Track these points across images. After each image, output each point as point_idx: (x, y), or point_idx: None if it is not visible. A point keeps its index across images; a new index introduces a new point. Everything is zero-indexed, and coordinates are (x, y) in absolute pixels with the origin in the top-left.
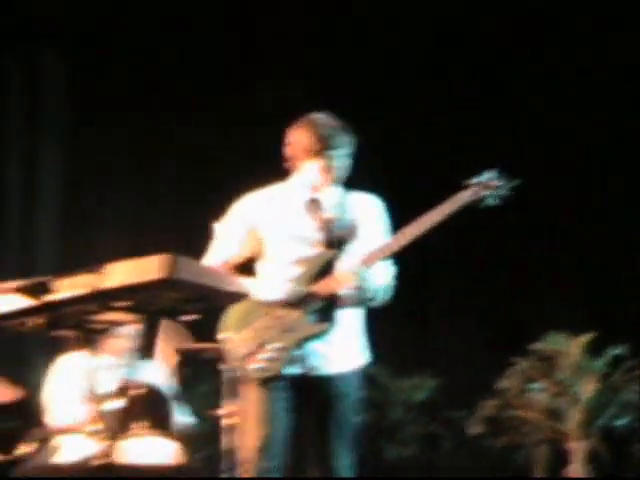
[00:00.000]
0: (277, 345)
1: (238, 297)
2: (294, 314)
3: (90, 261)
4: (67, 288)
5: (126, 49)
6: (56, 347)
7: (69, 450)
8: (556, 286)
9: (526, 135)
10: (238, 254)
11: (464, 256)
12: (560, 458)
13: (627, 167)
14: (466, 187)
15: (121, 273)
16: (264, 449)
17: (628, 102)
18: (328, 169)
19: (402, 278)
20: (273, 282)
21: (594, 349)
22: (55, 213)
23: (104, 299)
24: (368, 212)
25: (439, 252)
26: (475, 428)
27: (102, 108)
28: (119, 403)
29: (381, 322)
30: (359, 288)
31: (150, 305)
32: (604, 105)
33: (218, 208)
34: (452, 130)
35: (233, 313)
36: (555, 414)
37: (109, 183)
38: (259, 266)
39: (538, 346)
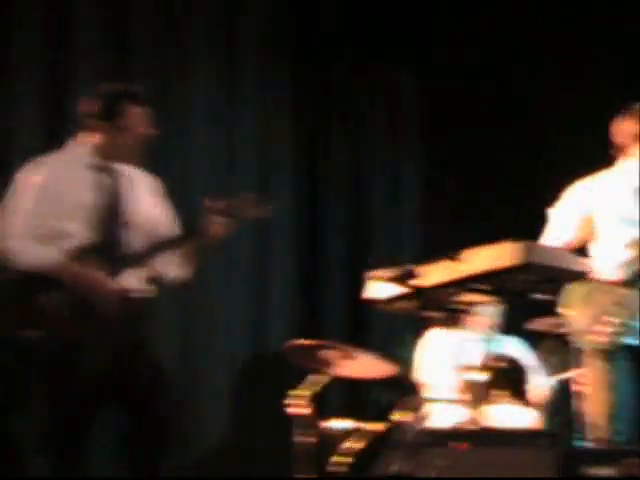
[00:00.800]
0: (617, 320)
1: (583, 276)
2: (631, 292)
3: (446, 249)
4: (432, 274)
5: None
6: (421, 325)
7: (441, 417)
8: None
9: None
10: (574, 238)
11: None
12: None
13: None
14: None
15: (480, 260)
16: (611, 415)
17: None
18: None
19: None
20: (610, 263)
21: None
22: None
23: (467, 284)
24: None
25: None
26: None
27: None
28: (483, 374)
29: None
30: None
31: (506, 287)
32: None
33: (551, 194)
34: None
35: (574, 291)
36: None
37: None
38: (593, 248)
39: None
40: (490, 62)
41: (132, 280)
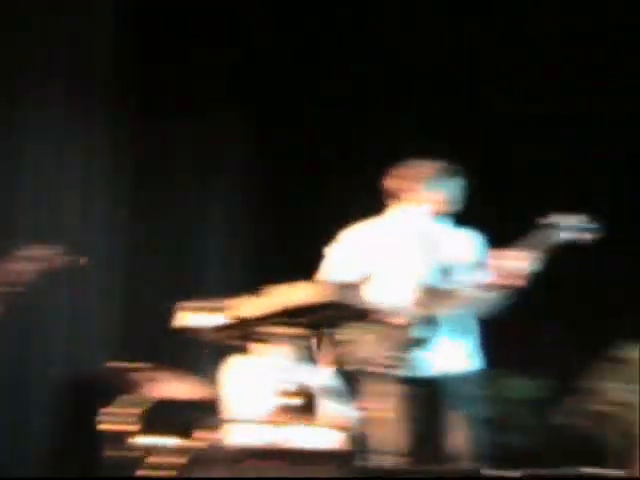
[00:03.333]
0: (396, 355)
1: (377, 315)
2: (408, 331)
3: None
4: (241, 308)
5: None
6: (229, 353)
7: (242, 437)
8: (631, 304)
9: None
10: (351, 275)
11: (561, 280)
12: (631, 441)
13: None
14: (556, 225)
15: (287, 296)
16: (397, 437)
17: None
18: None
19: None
20: (390, 304)
21: None
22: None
23: (274, 318)
24: (471, 247)
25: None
26: (565, 419)
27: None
28: (287, 399)
29: (495, 333)
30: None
31: (314, 322)
32: None
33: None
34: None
35: (359, 328)
36: (628, 407)
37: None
38: (372, 289)
39: (614, 353)
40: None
41: None
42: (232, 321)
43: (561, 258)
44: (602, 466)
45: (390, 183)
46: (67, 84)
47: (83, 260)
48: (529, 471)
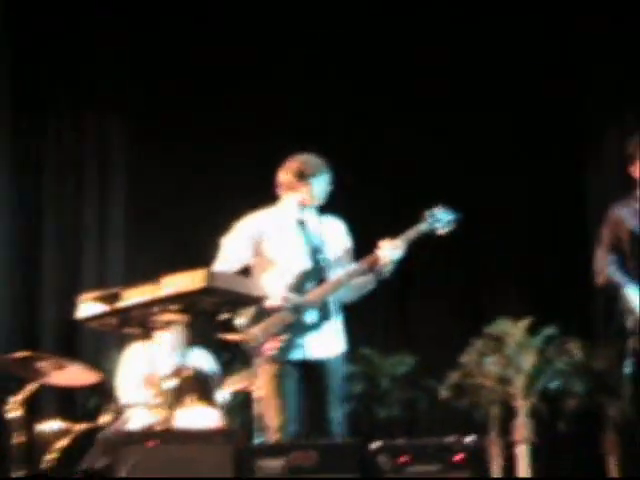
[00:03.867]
0: (284, 337)
1: (259, 300)
2: (297, 315)
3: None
4: (133, 296)
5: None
6: (123, 340)
7: (137, 419)
8: (505, 282)
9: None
10: (246, 263)
11: (436, 261)
12: (509, 414)
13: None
14: (423, 218)
15: (173, 284)
16: (281, 415)
17: None
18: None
19: (391, 279)
20: (278, 288)
21: (532, 330)
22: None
23: (161, 304)
24: (340, 235)
25: (417, 259)
26: (444, 393)
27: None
28: (173, 382)
29: (371, 311)
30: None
31: (195, 307)
32: None
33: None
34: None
35: (250, 312)
36: (504, 380)
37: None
38: (263, 274)
39: (491, 328)
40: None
41: None
42: (112, 309)
43: (436, 245)
44: (481, 436)
45: (278, 177)
46: None
47: None
48: (393, 441)
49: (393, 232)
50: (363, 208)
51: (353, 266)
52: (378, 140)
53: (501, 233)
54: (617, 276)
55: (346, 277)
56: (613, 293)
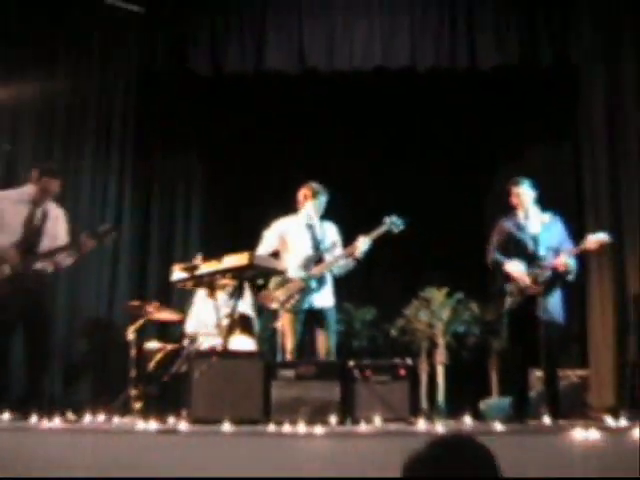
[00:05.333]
0: (297, 297)
1: (283, 272)
2: (305, 282)
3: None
4: (205, 268)
5: None
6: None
7: (205, 343)
8: (432, 264)
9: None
10: (275, 249)
11: (391, 250)
12: (432, 346)
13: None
14: (382, 222)
15: (229, 261)
16: (293, 345)
17: None
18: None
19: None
20: (293, 266)
21: (448, 295)
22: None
23: (221, 273)
24: (333, 233)
25: (379, 249)
26: (393, 332)
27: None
28: (228, 320)
29: (349, 280)
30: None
31: (242, 276)
32: None
33: (263, 228)
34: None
35: (276, 279)
36: (431, 326)
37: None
38: (285, 256)
39: (423, 293)
40: None
41: (44, 264)
42: (190, 275)
43: (390, 239)
44: (415, 359)
45: (298, 195)
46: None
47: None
48: (361, 361)
49: (364, 231)
50: (347, 216)
51: (339, 252)
52: (358, 176)
53: (431, 233)
54: (499, 257)
55: (335, 260)
56: (497, 268)
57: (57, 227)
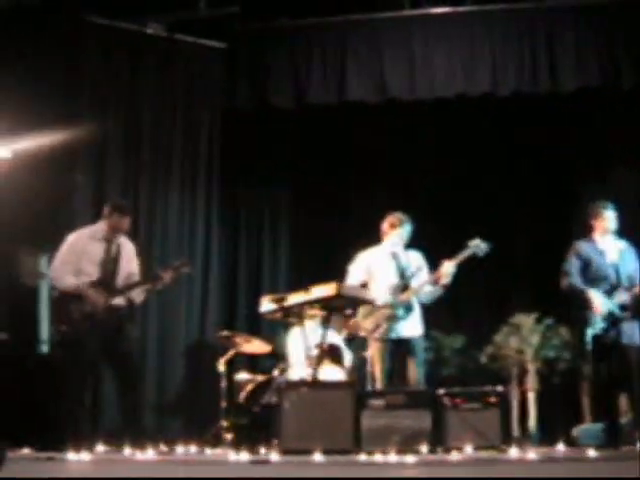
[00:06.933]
0: (384, 325)
1: (370, 302)
2: (392, 311)
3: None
4: (293, 299)
5: None
6: (288, 326)
7: (296, 373)
8: (521, 291)
9: None
10: (362, 280)
11: (478, 276)
12: (522, 372)
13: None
14: (467, 246)
15: (317, 291)
16: (382, 374)
17: None
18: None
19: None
20: (380, 295)
21: (538, 320)
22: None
23: (310, 304)
24: (418, 261)
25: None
26: (483, 359)
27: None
28: (317, 351)
29: (439, 308)
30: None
31: (330, 306)
32: None
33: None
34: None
35: (364, 309)
36: (520, 352)
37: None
38: (372, 286)
39: (512, 319)
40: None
41: (119, 300)
42: (279, 306)
43: (477, 265)
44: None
45: (382, 227)
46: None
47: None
48: (452, 389)
49: (448, 256)
50: (433, 244)
51: (425, 278)
52: (443, 204)
53: (518, 258)
54: (580, 284)
55: (421, 286)
56: (576, 294)
57: (131, 263)
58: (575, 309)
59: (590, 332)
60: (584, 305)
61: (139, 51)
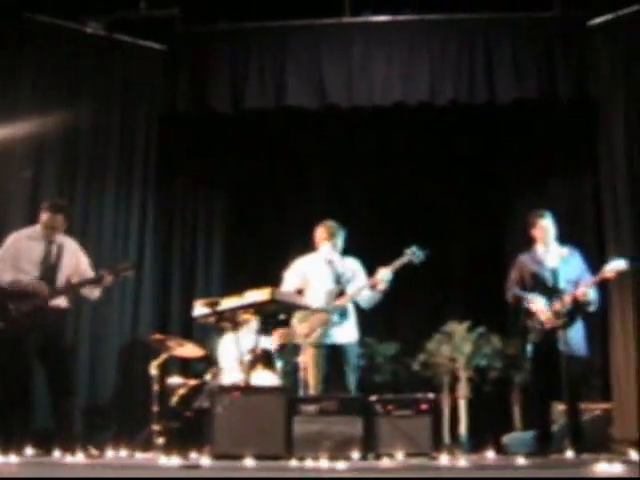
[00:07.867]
0: (319, 330)
1: (304, 308)
2: (327, 315)
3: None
4: (226, 303)
5: None
6: (219, 330)
7: (228, 378)
8: (454, 299)
9: None
10: (297, 286)
11: (412, 283)
12: (454, 380)
13: None
14: (403, 254)
15: (251, 296)
16: (316, 379)
17: None
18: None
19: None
20: (316, 300)
21: (470, 329)
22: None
23: (243, 309)
24: (354, 267)
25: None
26: (416, 367)
27: None
28: (250, 356)
29: (371, 315)
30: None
31: (263, 312)
32: None
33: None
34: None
35: (299, 314)
36: (452, 360)
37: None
38: (307, 292)
39: (445, 327)
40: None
41: (59, 300)
42: (212, 311)
43: (412, 272)
44: (437, 394)
45: (315, 235)
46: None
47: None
48: (384, 396)
49: (385, 263)
50: (368, 251)
51: (361, 284)
52: (378, 211)
53: (451, 268)
54: (519, 292)
55: (357, 291)
56: (518, 303)
57: (77, 261)
58: (514, 318)
59: (530, 340)
60: (526, 313)
61: (78, 50)
